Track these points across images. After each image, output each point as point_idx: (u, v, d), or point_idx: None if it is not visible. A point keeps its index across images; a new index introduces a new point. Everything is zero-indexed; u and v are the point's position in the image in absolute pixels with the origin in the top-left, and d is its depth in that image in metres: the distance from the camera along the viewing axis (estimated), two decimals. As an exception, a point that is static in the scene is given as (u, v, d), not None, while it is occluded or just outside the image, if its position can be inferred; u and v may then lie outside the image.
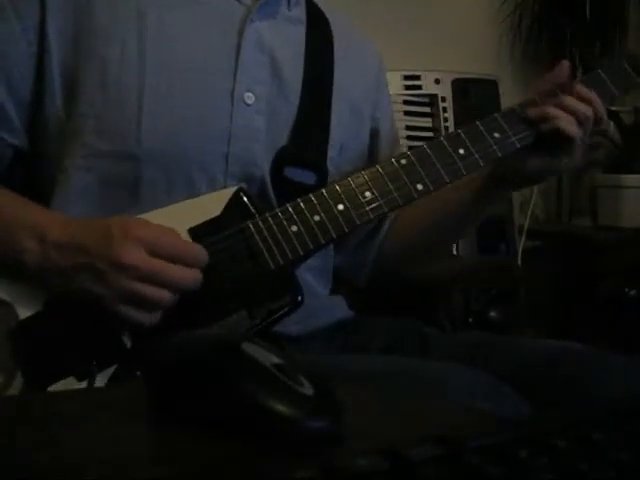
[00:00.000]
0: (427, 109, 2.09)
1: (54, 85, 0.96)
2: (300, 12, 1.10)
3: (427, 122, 2.09)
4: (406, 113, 2.07)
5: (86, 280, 0.84)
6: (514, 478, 0.38)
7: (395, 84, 2.07)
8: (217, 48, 1.00)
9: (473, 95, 2.10)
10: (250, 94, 0.99)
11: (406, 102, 2.07)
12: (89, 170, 0.95)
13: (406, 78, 2.08)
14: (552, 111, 1.00)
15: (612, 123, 2.38)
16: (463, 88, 2.11)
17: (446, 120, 2.06)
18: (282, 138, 1.02)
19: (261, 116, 1.00)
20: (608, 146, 2.37)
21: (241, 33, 1.00)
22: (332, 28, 1.13)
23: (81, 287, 0.84)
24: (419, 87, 2.09)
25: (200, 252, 0.87)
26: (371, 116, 1.16)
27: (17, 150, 0.98)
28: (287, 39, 1.06)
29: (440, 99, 2.09)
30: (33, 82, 0.96)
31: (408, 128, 2.06)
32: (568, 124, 0.99)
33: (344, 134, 1.09)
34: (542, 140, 1.02)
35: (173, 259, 0.85)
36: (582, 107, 1.00)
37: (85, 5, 0.97)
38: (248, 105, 0.99)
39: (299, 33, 1.09)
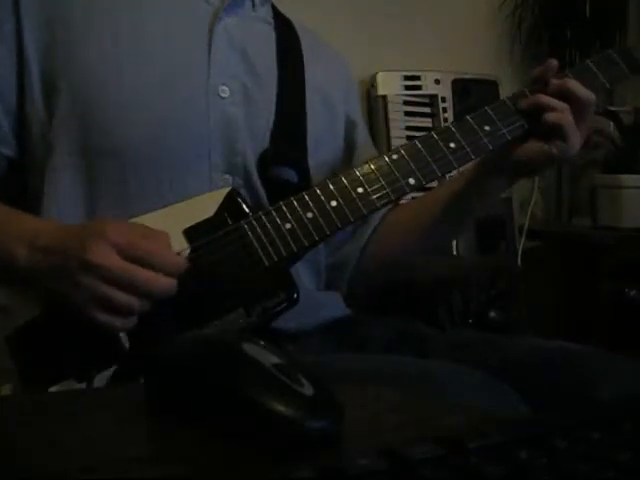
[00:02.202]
0: (427, 109, 2.09)
1: (34, 89, 0.97)
2: (266, 14, 1.14)
3: (427, 122, 2.09)
4: (406, 113, 2.07)
5: (57, 280, 0.83)
6: (514, 478, 0.38)
7: (395, 84, 2.08)
8: (189, 46, 1.03)
9: (473, 95, 2.11)
10: (225, 87, 1.02)
11: (406, 102, 2.07)
12: (74, 170, 0.96)
13: (406, 78, 2.08)
14: (541, 99, 1.01)
15: (612, 123, 2.38)
16: (463, 88, 2.11)
17: (446, 120, 2.06)
18: (261, 128, 1.04)
19: (237, 107, 1.02)
20: (608, 146, 2.37)
21: (212, 31, 1.03)
22: (298, 33, 1.16)
23: (53, 288, 0.84)
24: (419, 87, 2.09)
25: (175, 260, 0.85)
26: (344, 111, 1.18)
27: (9, 161, 0.99)
28: (256, 36, 1.10)
29: (440, 99, 2.09)
30: (16, 88, 0.97)
31: (408, 128, 2.06)
32: (556, 112, 1.00)
33: (317, 127, 1.10)
34: (535, 129, 1.02)
35: (147, 265, 0.82)
36: (577, 89, 1.01)
37: (60, 10, 0.99)
38: (223, 98, 1.01)
39: (268, 31, 1.12)
